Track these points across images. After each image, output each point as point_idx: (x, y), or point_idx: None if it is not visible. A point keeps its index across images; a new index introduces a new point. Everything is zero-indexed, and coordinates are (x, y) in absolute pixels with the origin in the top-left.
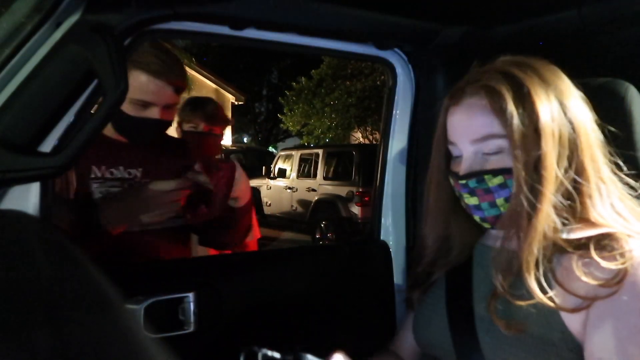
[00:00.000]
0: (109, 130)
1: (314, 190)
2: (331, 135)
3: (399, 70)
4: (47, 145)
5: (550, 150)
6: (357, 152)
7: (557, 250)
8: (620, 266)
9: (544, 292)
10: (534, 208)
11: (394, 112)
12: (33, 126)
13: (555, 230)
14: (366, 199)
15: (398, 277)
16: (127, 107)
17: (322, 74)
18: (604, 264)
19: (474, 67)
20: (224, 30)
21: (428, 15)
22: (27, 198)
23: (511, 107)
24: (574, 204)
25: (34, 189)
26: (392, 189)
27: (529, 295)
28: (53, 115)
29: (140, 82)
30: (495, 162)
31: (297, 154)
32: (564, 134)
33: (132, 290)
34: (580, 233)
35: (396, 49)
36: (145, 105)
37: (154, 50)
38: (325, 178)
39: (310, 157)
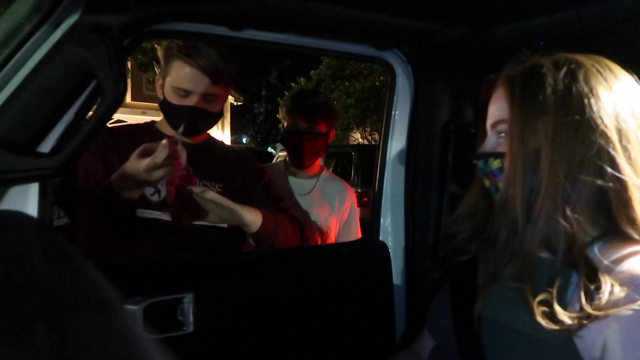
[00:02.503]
0: (167, 129)
1: None
2: None
3: (398, 70)
4: (46, 146)
5: (548, 142)
6: (356, 152)
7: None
8: None
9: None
10: (534, 197)
11: (393, 112)
12: (32, 126)
13: (573, 239)
14: (365, 199)
15: (397, 277)
16: (170, 96)
17: (321, 75)
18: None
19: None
20: (223, 30)
21: (427, 15)
22: (26, 198)
23: (517, 95)
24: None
25: (33, 189)
26: (391, 190)
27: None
28: (52, 115)
29: (178, 70)
30: (500, 146)
31: None
32: (591, 127)
33: (131, 290)
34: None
35: (395, 50)
36: (185, 93)
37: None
38: None
39: None
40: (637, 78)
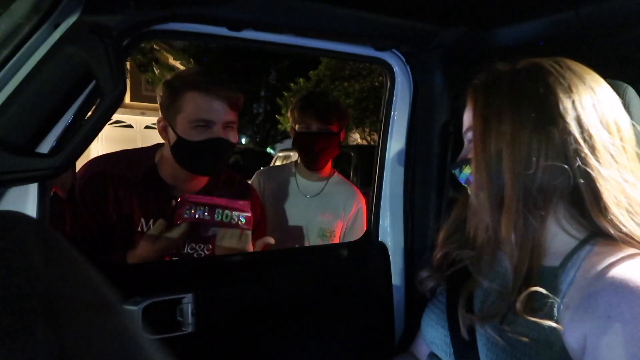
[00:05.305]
0: (169, 177)
1: None
2: None
3: (397, 71)
4: (45, 146)
5: (508, 143)
6: (355, 153)
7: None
8: None
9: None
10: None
11: (392, 113)
12: (31, 127)
13: (538, 249)
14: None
15: (396, 277)
16: (188, 133)
17: (320, 75)
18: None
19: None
20: (222, 31)
21: (426, 16)
22: (25, 199)
23: (479, 101)
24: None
25: (32, 189)
26: (390, 190)
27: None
28: (51, 116)
29: (196, 103)
30: (471, 153)
31: (295, 155)
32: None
33: (131, 291)
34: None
35: (394, 50)
36: (206, 124)
37: (199, 69)
38: None
39: None
40: (636, 77)
